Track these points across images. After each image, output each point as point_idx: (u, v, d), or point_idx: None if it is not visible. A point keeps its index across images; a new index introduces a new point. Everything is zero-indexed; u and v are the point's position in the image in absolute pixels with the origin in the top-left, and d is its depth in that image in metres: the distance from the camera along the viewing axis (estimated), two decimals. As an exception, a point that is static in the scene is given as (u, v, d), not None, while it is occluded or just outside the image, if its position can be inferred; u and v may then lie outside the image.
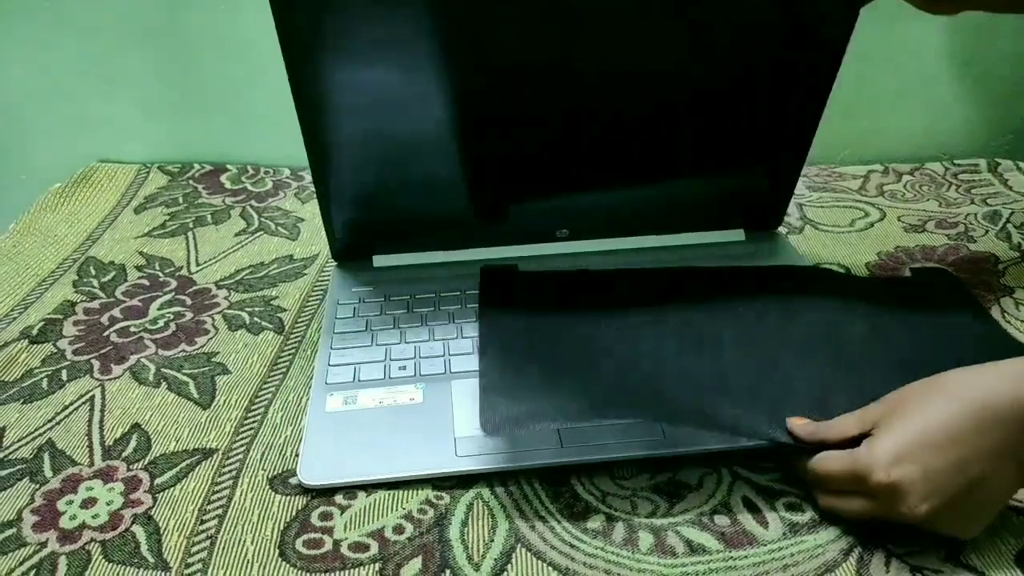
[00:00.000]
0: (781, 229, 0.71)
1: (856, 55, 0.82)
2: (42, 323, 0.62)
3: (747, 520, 0.44)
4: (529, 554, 0.43)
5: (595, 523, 0.45)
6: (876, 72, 0.83)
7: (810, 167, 0.85)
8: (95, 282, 0.68)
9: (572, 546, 0.43)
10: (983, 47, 0.82)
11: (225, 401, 0.54)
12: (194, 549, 0.44)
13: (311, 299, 0.66)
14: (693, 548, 0.43)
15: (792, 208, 0.77)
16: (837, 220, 0.75)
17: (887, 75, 0.84)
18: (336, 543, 0.44)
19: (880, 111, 0.85)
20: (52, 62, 0.84)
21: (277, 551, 0.43)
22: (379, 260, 0.67)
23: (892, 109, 0.85)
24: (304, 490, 0.47)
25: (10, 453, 0.50)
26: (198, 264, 0.70)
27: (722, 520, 0.45)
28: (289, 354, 0.59)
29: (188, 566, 0.43)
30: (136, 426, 0.52)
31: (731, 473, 0.47)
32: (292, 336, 0.61)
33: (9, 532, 0.45)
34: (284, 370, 0.57)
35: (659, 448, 0.48)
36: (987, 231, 0.72)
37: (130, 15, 0.81)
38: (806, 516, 0.45)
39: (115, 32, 0.82)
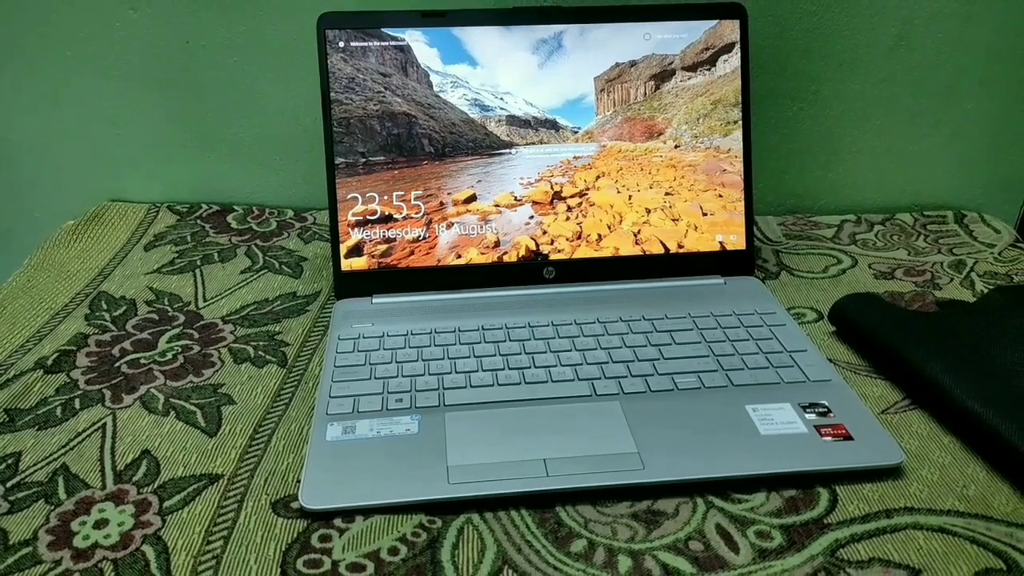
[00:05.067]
0: (758, 274, 0.76)
1: (833, 113, 0.88)
2: (56, 354, 0.65)
3: (719, 546, 0.48)
4: (515, 575, 0.46)
5: (577, 547, 0.48)
6: (851, 129, 0.88)
7: (787, 216, 0.90)
8: (107, 316, 0.71)
9: (556, 568, 0.46)
10: (952, 109, 0.87)
11: (231, 430, 0.57)
12: (201, 568, 0.46)
13: (313, 334, 0.69)
14: (668, 571, 0.46)
15: (769, 254, 0.82)
16: (812, 266, 0.79)
17: (862, 132, 0.89)
18: (335, 563, 0.46)
19: (855, 165, 0.90)
20: (68, 105, 0.88)
21: (279, 570, 0.46)
22: (378, 298, 0.71)
23: (866, 163, 0.90)
24: (305, 514, 0.50)
25: (26, 476, 0.53)
26: (205, 300, 0.74)
27: (696, 545, 0.48)
28: (292, 386, 0.62)
29: (195, 583, 0.45)
30: (146, 452, 0.55)
31: (705, 503, 0.51)
32: (295, 369, 0.64)
33: (26, 551, 0.47)
34: (287, 401, 0.61)
35: (639, 477, 0.51)
36: (952, 279, 0.76)
37: (144, 63, 0.86)
38: (774, 543, 0.48)
39: (129, 79, 0.87)
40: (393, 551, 0.47)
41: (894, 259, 0.80)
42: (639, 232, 0.74)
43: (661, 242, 0.74)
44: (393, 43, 0.72)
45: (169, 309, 0.72)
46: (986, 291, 0.73)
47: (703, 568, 0.46)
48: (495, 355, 0.63)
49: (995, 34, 0.84)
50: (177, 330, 0.69)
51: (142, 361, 0.65)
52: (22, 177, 0.92)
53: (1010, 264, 0.79)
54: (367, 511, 0.50)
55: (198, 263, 0.80)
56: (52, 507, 0.50)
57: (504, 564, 0.46)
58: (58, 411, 0.59)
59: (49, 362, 0.64)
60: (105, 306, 0.73)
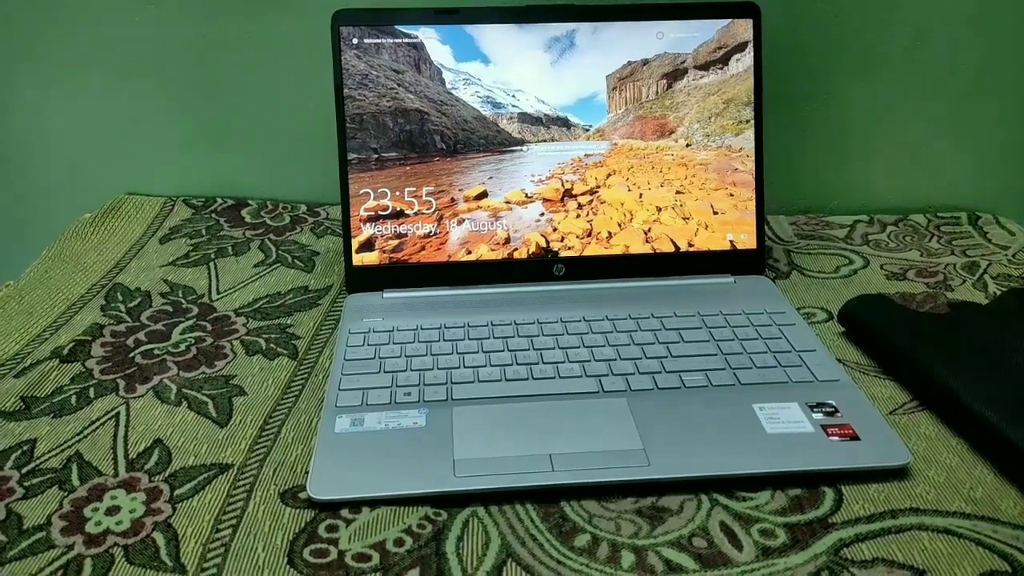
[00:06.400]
0: (768, 274, 0.76)
1: (848, 113, 0.88)
2: (72, 344, 0.66)
3: (723, 543, 0.48)
4: (519, 568, 0.46)
5: (581, 542, 0.48)
6: (866, 130, 0.88)
7: (800, 216, 0.90)
8: (122, 307, 0.72)
9: (559, 562, 0.47)
10: (967, 110, 0.87)
11: (241, 420, 0.58)
12: (209, 555, 0.47)
13: (324, 328, 0.70)
14: (671, 567, 0.46)
15: (780, 254, 0.81)
16: (823, 266, 0.79)
17: (876, 133, 0.88)
18: (341, 553, 0.47)
19: (869, 166, 0.90)
20: (86, 99, 0.90)
21: (286, 559, 0.47)
22: (389, 293, 0.72)
23: (881, 164, 0.90)
24: (312, 504, 0.50)
25: (41, 463, 0.54)
26: (219, 292, 0.75)
27: (699, 542, 0.48)
28: (302, 378, 0.63)
29: (204, 570, 0.46)
30: (158, 441, 0.56)
31: (710, 500, 0.51)
32: (305, 362, 0.65)
33: (40, 535, 0.48)
34: (297, 393, 0.61)
35: (644, 474, 0.51)
36: (965, 280, 0.76)
37: (162, 58, 0.87)
38: (778, 541, 0.48)
39: (147, 73, 0.88)
40: (399, 542, 0.48)
41: (906, 260, 0.80)
42: (649, 230, 0.74)
43: (671, 240, 0.74)
44: (406, 40, 0.72)
45: (183, 301, 0.73)
46: (999, 293, 0.73)
47: (706, 565, 0.46)
48: (503, 351, 0.64)
49: (1012, 35, 0.83)
50: (191, 322, 0.70)
51: (156, 352, 0.66)
52: (41, 170, 0.94)
53: (1024, 266, 0.78)
54: (374, 502, 0.50)
55: (212, 256, 0.81)
56: (66, 493, 0.51)
57: (508, 557, 0.47)
58: (73, 400, 0.60)
59: (65, 352, 0.65)
60: (120, 298, 0.74)
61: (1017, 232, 0.85)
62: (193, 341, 0.67)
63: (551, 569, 0.46)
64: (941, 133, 0.88)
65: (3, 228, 0.98)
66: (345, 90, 0.71)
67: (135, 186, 0.94)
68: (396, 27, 0.72)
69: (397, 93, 0.72)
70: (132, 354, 0.65)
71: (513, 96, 0.74)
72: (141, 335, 0.68)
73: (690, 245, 0.74)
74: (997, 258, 0.80)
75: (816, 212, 0.91)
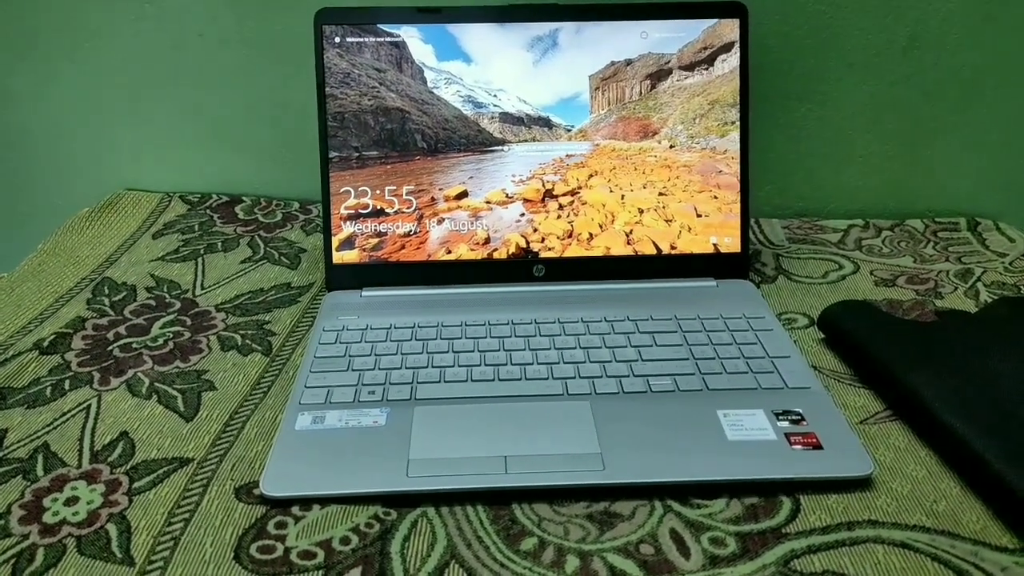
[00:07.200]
0: (753, 278, 0.74)
1: (843, 115, 0.86)
2: (53, 336, 0.67)
3: (671, 550, 0.47)
4: (461, 570, 0.46)
5: (528, 545, 0.48)
6: (862, 132, 0.86)
7: (793, 219, 0.88)
8: (107, 301, 0.73)
9: (502, 565, 0.46)
10: (967, 112, 0.85)
11: (207, 415, 0.59)
12: (159, 548, 0.48)
13: (301, 325, 0.70)
14: (615, 573, 0.46)
15: (769, 258, 0.80)
16: (811, 271, 0.78)
17: (873, 135, 0.86)
18: (287, 550, 0.47)
19: (866, 169, 0.88)
20: (89, 98, 0.91)
21: (232, 554, 0.47)
22: (367, 292, 0.72)
23: (878, 168, 0.88)
24: (265, 500, 0.51)
25: (9, 453, 0.55)
26: (203, 288, 0.76)
27: (647, 549, 0.47)
28: (272, 375, 0.63)
29: (151, 563, 0.47)
30: (124, 434, 0.57)
31: (663, 506, 0.50)
32: (278, 358, 0.66)
33: (-2, 523, 0.49)
34: (265, 389, 0.62)
35: (597, 478, 0.51)
36: (956, 288, 0.74)
37: (159, 56, 0.89)
38: (727, 550, 0.47)
39: (145, 70, 0.89)
40: (345, 540, 0.48)
41: (898, 266, 0.78)
42: (631, 232, 0.73)
43: (653, 243, 0.73)
44: (388, 39, 0.72)
45: (167, 296, 0.74)
46: (989, 301, 0.71)
47: (651, 572, 0.46)
48: (473, 351, 0.63)
49: (1012, 34, 0.81)
50: (171, 316, 0.71)
51: (134, 345, 0.67)
52: (42, 165, 0.96)
53: (1020, 275, 0.76)
54: (325, 500, 0.50)
55: (201, 252, 0.82)
56: (28, 483, 0.52)
57: (452, 559, 0.47)
58: (48, 391, 0.61)
59: (46, 344, 0.66)
60: (107, 291, 0.75)
61: (1017, 239, 0.82)
62: (171, 336, 0.68)
63: (493, 572, 0.46)
64: (941, 136, 0.86)
65: (3, 222, 1.00)
66: (327, 88, 0.72)
67: (135, 182, 0.95)
68: (378, 26, 0.72)
69: (379, 92, 0.73)
70: (110, 347, 0.66)
71: (495, 96, 0.74)
72: (121, 329, 0.69)
73: (672, 248, 0.73)
74: (993, 265, 0.78)
75: (812, 216, 0.90)
